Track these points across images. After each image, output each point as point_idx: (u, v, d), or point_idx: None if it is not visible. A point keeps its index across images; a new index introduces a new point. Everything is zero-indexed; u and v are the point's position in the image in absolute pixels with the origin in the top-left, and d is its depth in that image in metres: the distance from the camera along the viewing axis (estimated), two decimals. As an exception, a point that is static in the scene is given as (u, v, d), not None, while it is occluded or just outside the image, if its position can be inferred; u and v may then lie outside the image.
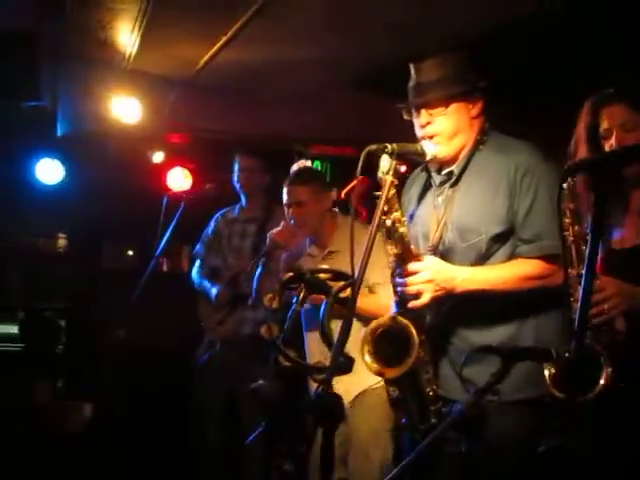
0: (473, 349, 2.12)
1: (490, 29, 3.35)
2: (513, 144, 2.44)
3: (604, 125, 2.16)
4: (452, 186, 2.45)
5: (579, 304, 1.58)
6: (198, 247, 4.24)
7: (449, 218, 2.42)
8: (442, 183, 2.48)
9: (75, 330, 5.71)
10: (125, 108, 4.08)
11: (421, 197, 2.55)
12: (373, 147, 2.25)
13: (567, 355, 1.88)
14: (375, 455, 3.20)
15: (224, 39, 3.62)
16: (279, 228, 3.54)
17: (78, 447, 4.56)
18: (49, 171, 5.10)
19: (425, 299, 2.30)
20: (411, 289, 2.30)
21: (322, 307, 2.30)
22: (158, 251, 4.12)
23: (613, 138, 2.13)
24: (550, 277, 2.32)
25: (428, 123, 2.41)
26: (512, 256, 2.38)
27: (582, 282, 1.58)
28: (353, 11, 3.33)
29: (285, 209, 3.45)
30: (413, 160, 2.61)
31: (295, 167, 3.71)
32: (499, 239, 2.37)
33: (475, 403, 1.91)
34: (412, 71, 2.47)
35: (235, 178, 4.08)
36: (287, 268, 2.41)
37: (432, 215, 2.48)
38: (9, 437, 4.52)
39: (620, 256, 2.17)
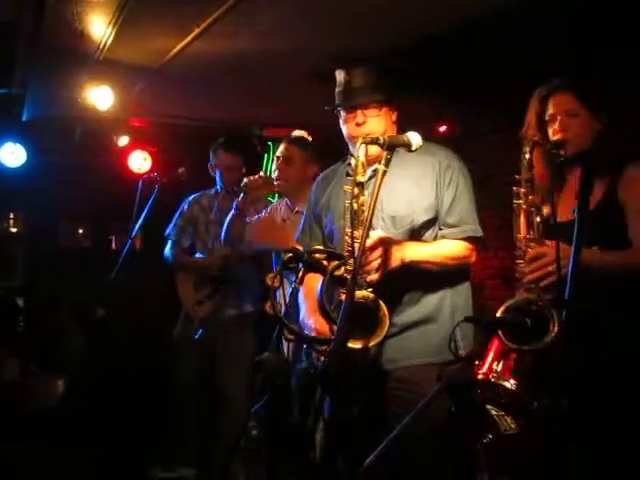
0: (463, 319, 2.46)
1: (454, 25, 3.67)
2: (430, 146, 2.76)
3: (550, 111, 2.51)
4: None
5: (569, 274, 1.88)
6: (170, 229, 4.42)
7: (378, 208, 2.66)
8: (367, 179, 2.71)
9: (34, 308, 5.85)
10: (97, 95, 4.22)
11: (340, 194, 2.80)
12: (368, 139, 2.53)
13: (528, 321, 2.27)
14: None
15: (197, 31, 3.80)
16: (255, 176, 3.78)
17: (52, 422, 4.73)
18: (12, 154, 5.18)
19: (388, 268, 2.52)
20: (374, 262, 2.51)
21: (319, 285, 2.60)
22: (134, 232, 4.28)
23: (557, 123, 2.47)
24: (469, 257, 2.76)
25: (364, 122, 2.74)
26: (436, 239, 2.75)
27: (572, 254, 1.88)
28: (321, 7, 3.58)
29: (275, 160, 3.77)
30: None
31: (296, 132, 3.94)
32: (427, 224, 2.74)
33: (462, 370, 2.24)
34: (342, 76, 2.80)
35: (215, 170, 4.30)
36: (286, 249, 2.65)
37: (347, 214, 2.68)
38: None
39: (558, 228, 2.41)
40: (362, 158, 2.50)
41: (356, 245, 2.45)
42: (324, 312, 2.57)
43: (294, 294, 2.64)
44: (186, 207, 4.43)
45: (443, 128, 4.67)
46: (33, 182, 5.53)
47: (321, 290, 2.59)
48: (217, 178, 4.34)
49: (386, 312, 2.49)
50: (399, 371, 2.69)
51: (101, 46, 3.96)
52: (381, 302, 2.50)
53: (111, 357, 4.96)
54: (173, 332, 4.37)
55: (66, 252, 6.32)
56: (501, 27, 3.60)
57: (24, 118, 4.73)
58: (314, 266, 2.65)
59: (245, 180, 3.78)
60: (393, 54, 3.84)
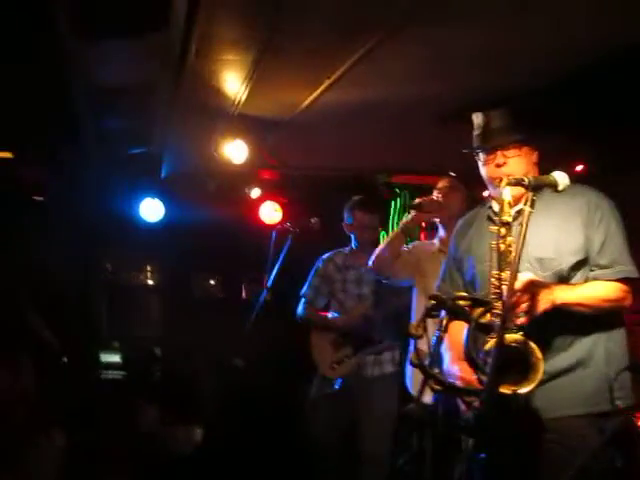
0: (625, 367, 2.31)
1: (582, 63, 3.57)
2: (576, 187, 2.68)
3: None
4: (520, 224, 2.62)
5: None
6: (306, 288, 4.45)
7: (524, 251, 2.56)
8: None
9: (171, 357, 6.03)
10: (231, 149, 4.36)
11: (482, 237, 2.76)
12: (512, 180, 2.47)
13: None
14: None
15: (327, 82, 3.86)
16: (431, 197, 3.74)
17: (189, 470, 4.80)
18: (151, 209, 5.43)
19: (537, 310, 2.42)
20: (523, 305, 2.43)
21: (465, 333, 2.52)
22: (269, 282, 4.33)
23: None
24: (622, 299, 2.61)
25: (504, 164, 2.68)
26: (586, 281, 2.63)
27: None
28: (452, 51, 3.56)
29: (437, 191, 3.77)
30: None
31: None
32: (576, 267, 2.63)
33: (627, 420, 2.09)
34: (480, 118, 2.78)
35: (350, 228, 4.32)
36: (430, 296, 2.60)
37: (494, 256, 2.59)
38: (123, 462, 4.78)
39: None
40: (508, 198, 2.45)
41: (504, 287, 2.38)
42: (471, 360, 2.49)
43: (438, 342, 2.57)
44: (321, 266, 4.45)
45: (579, 167, 4.50)
46: (169, 235, 5.76)
47: (467, 338, 2.51)
48: (352, 237, 4.34)
49: (540, 356, 2.38)
50: (551, 422, 2.55)
51: (236, 102, 4.08)
52: (534, 346, 2.40)
53: (246, 407, 5.00)
54: (306, 389, 4.34)
55: (199, 302, 6.51)
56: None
57: (162, 175, 4.96)
58: (458, 313, 2.58)
59: (419, 200, 3.74)
60: (527, 93, 3.75)
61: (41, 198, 5.58)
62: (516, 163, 2.69)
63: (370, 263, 3.85)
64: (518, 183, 2.46)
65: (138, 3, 2.91)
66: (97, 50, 3.36)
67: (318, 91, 3.95)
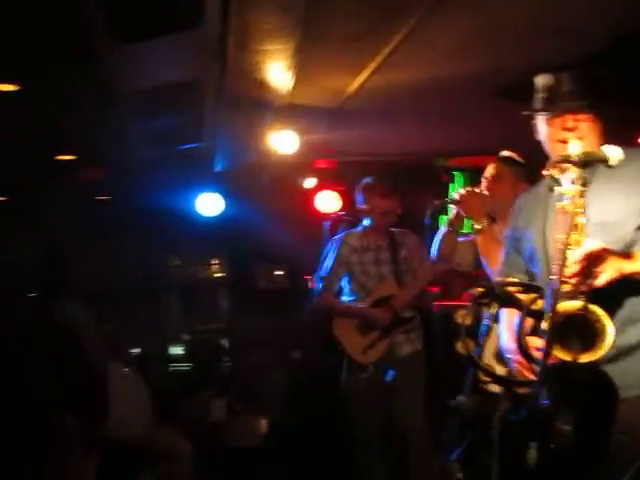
0: None
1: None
2: (634, 150, 2.53)
3: None
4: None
5: None
6: (325, 271, 4.28)
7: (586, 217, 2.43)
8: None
9: (237, 349, 6.08)
10: (282, 140, 4.32)
11: (541, 208, 2.63)
12: (560, 158, 2.34)
13: None
14: None
15: (373, 66, 3.78)
16: (468, 189, 3.57)
17: (255, 461, 4.83)
18: (208, 204, 5.46)
19: (604, 278, 2.29)
20: (590, 273, 2.26)
21: (516, 321, 2.41)
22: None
23: None
24: None
25: (574, 127, 2.52)
26: None
27: None
28: (503, 24, 3.39)
29: (483, 181, 3.59)
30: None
31: (505, 152, 3.73)
32: None
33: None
34: (548, 80, 2.60)
35: (366, 213, 4.21)
36: (476, 284, 2.49)
37: (560, 219, 2.51)
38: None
39: None
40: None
41: (569, 253, 2.25)
42: (523, 351, 2.37)
43: (488, 333, 2.47)
44: (336, 249, 4.28)
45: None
46: (230, 229, 5.79)
47: (519, 327, 2.39)
48: (367, 219, 4.23)
49: (608, 323, 2.22)
50: (618, 404, 2.39)
51: (281, 92, 4.04)
52: (600, 312, 2.25)
53: (307, 396, 4.99)
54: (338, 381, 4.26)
55: (265, 293, 6.53)
56: None
57: (216, 169, 4.97)
58: (508, 300, 2.46)
59: (457, 193, 3.60)
60: (588, 60, 3.55)
61: (105, 197, 5.68)
62: (587, 128, 2.54)
63: (433, 255, 3.75)
64: (566, 161, 2.33)
65: (169, 2, 2.89)
66: (136, 51, 3.36)
67: (364, 75, 3.86)
